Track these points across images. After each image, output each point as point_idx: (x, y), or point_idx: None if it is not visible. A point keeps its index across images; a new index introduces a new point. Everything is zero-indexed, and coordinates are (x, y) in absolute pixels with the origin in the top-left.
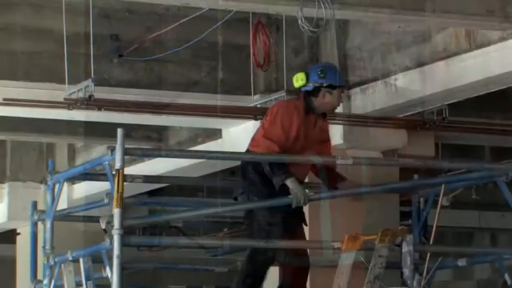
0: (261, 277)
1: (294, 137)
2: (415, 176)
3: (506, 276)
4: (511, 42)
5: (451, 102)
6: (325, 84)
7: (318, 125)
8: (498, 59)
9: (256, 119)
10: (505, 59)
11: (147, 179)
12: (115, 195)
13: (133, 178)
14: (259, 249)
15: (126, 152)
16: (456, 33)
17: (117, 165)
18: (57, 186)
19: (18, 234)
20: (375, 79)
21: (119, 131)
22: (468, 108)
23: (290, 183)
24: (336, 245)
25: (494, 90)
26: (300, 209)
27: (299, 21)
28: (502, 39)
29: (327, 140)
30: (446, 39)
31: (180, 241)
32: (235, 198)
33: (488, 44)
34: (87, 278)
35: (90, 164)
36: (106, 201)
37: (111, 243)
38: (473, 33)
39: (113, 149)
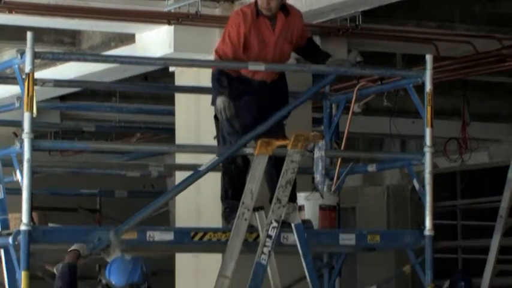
0: (238, 185)
1: (244, 45)
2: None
3: (415, 182)
4: None
5: (364, 9)
6: None
7: (279, 25)
8: None
9: (170, 24)
10: None
11: (58, 83)
12: (25, 99)
13: (44, 82)
14: (228, 160)
15: (36, 55)
16: None
17: (27, 68)
18: None
19: None
20: None
21: (29, 34)
22: (381, 15)
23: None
24: (248, 151)
25: None
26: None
27: None
28: None
29: (301, 35)
30: None
31: (92, 145)
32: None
33: None
34: None
35: None
36: (17, 105)
37: (22, 147)
38: None
39: (22, 52)
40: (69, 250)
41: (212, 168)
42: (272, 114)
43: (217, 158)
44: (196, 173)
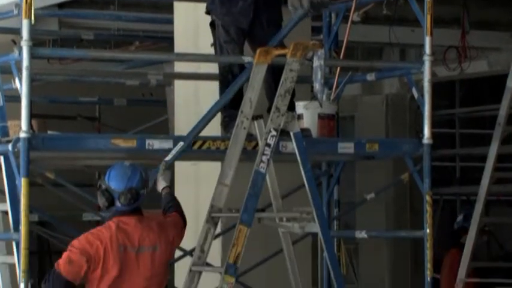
0: (236, 94)
1: None
2: None
3: (414, 90)
4: None
5: None
6: None
7: None
8: None
9: None
10: None
11: None
12: (24, 6)
13: None
14: (225, 69)
15: None
16: None
17: None
18: None
19: None
20: None
21: None
22: None
23: None
24: (247, 59)
25: None
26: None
27: None
28: None
29: None
30: None
31: (91, 53)
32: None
33: None
34: None
35: None
36: (15, 12)
37: (20, 54)
38: None
39: None
40: None
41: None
42: (268, 19)
43: None
44: None
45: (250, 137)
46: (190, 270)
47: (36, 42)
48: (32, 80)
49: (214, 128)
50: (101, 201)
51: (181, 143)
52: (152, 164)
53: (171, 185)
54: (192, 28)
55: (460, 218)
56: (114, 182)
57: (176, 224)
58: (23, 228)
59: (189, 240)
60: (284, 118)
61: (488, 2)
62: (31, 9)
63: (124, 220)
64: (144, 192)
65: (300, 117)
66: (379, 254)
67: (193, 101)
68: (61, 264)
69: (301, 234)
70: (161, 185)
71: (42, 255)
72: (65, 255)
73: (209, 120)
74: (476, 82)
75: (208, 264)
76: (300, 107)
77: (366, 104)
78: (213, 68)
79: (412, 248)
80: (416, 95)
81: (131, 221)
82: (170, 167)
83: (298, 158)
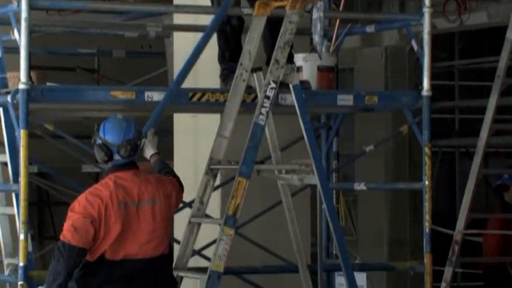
0: (235, 46)
1: None
2: None
3: (413, 42)
4: None
5: None
6: None
7: None
8: None
9: None
10: None
11: None
12: None
13: None
14: (223, 21)
15: None
16: None
17: None
18: None
19: None
20: None
21: None
22: None
23: None
24: (246, 10)
25: None
26: None
27: None
28: None
29: None
30: None
31: (90, 4)
32: None
33: None
34: None
35: None
36: None
37: (19, 5)
38: None
39: None
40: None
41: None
42: None
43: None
44: None
45: (250, 89)
46: (190, 222)
47: None
48: (30, 32)
49: (213, 81)
50: (100, 155)
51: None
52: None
53: (159, 152)
54: None
55: (505, 176)
56: (110, 135)
57: (174, 183)
58: (22, 179)
59: (189, 192)
60: (283, 70)
61: None
62: None
63: (121, 175)
64: (140, 144)
65: (299, 69)
66: (378, 206)
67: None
68: (67, 235)
69: (300, 186)
70: (149, 152)
71: (41, 206)
72: (67, 224)
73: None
74: (475, 34)
75: (207, 216)
76: (299, 59)
77: (365, 56)
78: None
79: (410, 200)
80: (415, 47)
81: (128, 176)
82: (157, 133)
83: (298, 110)
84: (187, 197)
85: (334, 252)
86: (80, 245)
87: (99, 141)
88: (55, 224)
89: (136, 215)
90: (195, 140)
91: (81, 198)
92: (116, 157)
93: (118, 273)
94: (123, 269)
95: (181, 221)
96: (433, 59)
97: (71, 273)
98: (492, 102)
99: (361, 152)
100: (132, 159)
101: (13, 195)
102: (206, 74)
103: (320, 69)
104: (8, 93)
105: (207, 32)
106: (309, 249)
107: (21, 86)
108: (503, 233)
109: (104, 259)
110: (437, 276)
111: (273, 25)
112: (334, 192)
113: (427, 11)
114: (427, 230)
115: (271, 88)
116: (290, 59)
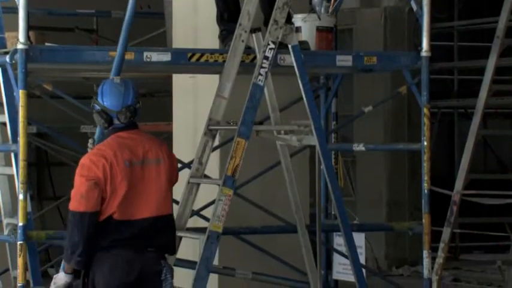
0: (233, 7)
1: None
2: None
3: (412, 3)
4: None
5: None
6: None
7: None
8: None
9: None
10: None
11: None
12: None
13: None
14: None
15: None
16: None
17: None
18: None
19: None
20: None
21: None
22: None
23: None
24: None
25: None
26: None
27: None
28: None
29: None
30: None
31: None
32: None
33: None
34: None
35: None
36: None
37: None
38: None
39: None
40: None
41: None
42: None
43: None
44: None
45: (249, 49)
46: (189, 182)
47: None
48: None
49: (212, 42)
50: (100, 122)
51: None
52: (148, 76)
53: None
54: None
55: None
56: (109, 102)
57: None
58: (21, 139)
59: (187, 152)
60: (282, 31)
61: None
62: None
63: (123, 135)
64: (139, 106)
65: (298, 30)
66: (376, 167)
67: (191, 13)
68: (74, 204)
69: (299, 147)
70: None
71: (40, 166)
72: (73, 193)
73: None
74: None
75: (206, 177)
76: (298, 19)
77: (364, 17)
78: None
79: (409, 161)
80: (415, 7)
81: (131, 135)
82: None
83: (296, 71)
84: (186, 157)
85: (332, 212)
86: (89, 210)
87: (98, 108)
88: (54, 185)
89: (141, 173)
90: (194, 100)
91: (85, 160)
92: (116, 122)
93: (126, 232)
94: (130, 229)
95: (180, 181)
96: (432, 19)
97: (90, 240)
98: (491, 63)
99: (359, 113)
100: (132, 121)
101: (12, 155)
102: (206, 34)
103: (319, 29)
104: (6, 53)
105: None
106: (307, 209)
107: (20, 46)
108: None
109: (112, 219)
110: (435, 237)
111: None
112: (332, 153)
113: None
114: (426, 191)
115: (270, 49)
116: (289, 20)
